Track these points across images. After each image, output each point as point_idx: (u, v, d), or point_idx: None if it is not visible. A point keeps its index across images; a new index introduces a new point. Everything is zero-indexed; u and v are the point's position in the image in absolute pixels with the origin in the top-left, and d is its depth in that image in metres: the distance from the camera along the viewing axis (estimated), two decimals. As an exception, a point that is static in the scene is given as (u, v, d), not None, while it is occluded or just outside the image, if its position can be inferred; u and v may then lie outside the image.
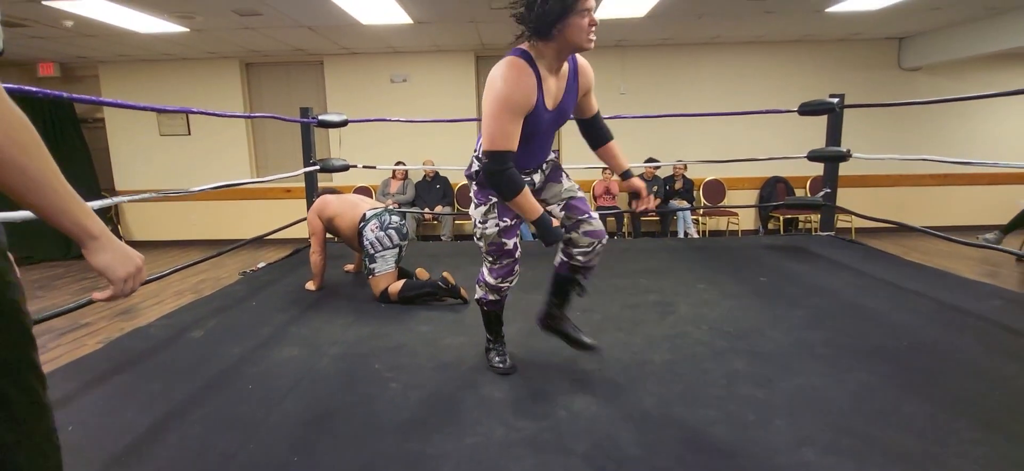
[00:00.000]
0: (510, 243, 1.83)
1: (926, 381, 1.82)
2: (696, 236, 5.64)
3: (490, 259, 1.87)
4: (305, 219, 3.20)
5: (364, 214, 2.86)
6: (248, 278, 3.46)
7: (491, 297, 1.93)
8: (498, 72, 1.62)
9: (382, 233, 2.80)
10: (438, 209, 5.89)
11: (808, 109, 3.80)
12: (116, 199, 2.58)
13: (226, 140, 6.82)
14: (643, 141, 6.35)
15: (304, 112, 4.35)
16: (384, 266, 2.79)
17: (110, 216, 6.90)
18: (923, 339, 2.19)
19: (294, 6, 4.49)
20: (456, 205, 6.32)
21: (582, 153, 7.29)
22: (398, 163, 6.01)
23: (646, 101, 6.24)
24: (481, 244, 1.86)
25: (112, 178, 7.00)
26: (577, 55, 1.79)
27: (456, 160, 6.50)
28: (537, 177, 1.88)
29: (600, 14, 4.85)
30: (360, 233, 2.84)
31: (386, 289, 2.77)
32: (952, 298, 2.70)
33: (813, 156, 3.85)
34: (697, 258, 3.74)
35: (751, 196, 6.48)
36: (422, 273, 2.88)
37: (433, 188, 6.09)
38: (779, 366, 1.98)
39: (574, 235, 1.85)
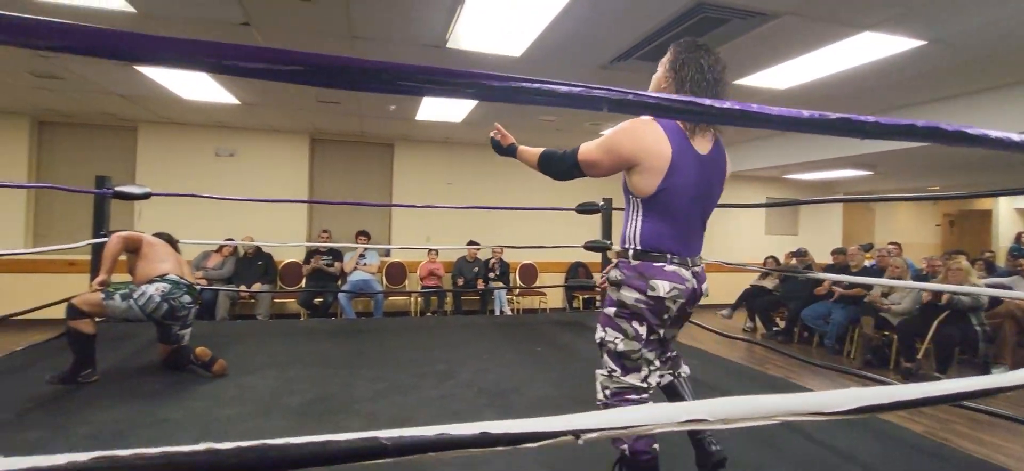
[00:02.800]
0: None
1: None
2: (509, 314, 6.27)
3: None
4: (72, 298, 2.81)
5: (164, 273, 2.71)
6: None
7: None
8: None
9: (160, 300, 2.64)
10: (257, 286, 5.71)
11: (583, 208, 4.69)
12: None
13: (-5, 203, 5.88)
14: (467, 227, 7.02)
15: (100, 181, 4.10)
16: (115, 305, 2.57)
17: None
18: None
19: (103, 76, 4.32)
20: (278, 283, 6.17)
21: (408, 235, 7.62)
22: (228, 239, 5.78)
23: (469, 193, 6.98)
24: None
25: None
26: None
27: (283, 237, 6.43)
28: None
29: (425, 116, 5.49)
30: (160, 277, 2.70)
31: (78, 306, 2.55)
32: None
33: (588, 246, 4.72)
34: (496, 333, 4.24)
35: (560, 278, 7.45)
36: (203, 353, 2.78)
37: (254, 265, 5.91)
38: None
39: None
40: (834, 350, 5.02)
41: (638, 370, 1.51)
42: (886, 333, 4.89)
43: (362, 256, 6.20)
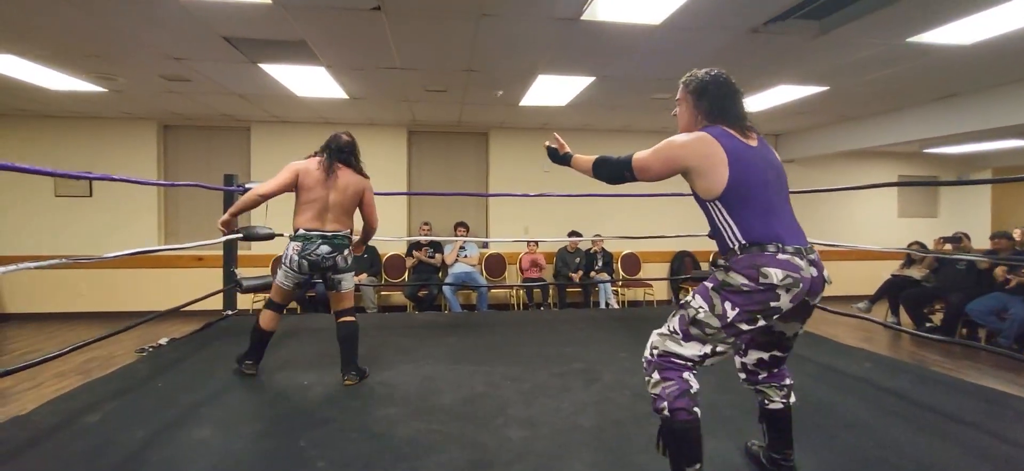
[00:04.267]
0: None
1: (817, 431, 2.07)
2: (616, 306, 5.96)
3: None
4: (221, 291, 2.88)
5: (297, 228, 2.59)
6: (149, 356, 3.18)
7: None
8: None
9: (299, 259, 2.57)
10: (363, 278, 5.79)
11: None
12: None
13: (133, 204, 6.36)
14: (564, 216, 6.76)
15: (228, 179, 4.25)
16: (281, 280, 2.67)
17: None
18: (812, 397, 2.48)
19: (227, 76, 4.47)
20: (383, 276, 6.24)
21: (505, 226, 7.48)
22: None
23: (566, 180, 6.71)
24: None
25: (-12, 242, 6.22)
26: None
27: (384, 230, 6.48)
28: None
29: (527, 102, 5.28)
30: (293, 236, 2.63)
31: (271, 298, 2.73)
32: (833, 361, 3.09)
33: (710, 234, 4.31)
34: (618, 328, 3.97)
35: (664, 269, 7.01)
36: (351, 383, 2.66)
37: (360, 257, 6.01)
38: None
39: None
40: (1013, 351, 4.28)
41: (701, 343, 1.48)
42: (1081, 331, 4.10)
43: (462, 248, 6.13)
